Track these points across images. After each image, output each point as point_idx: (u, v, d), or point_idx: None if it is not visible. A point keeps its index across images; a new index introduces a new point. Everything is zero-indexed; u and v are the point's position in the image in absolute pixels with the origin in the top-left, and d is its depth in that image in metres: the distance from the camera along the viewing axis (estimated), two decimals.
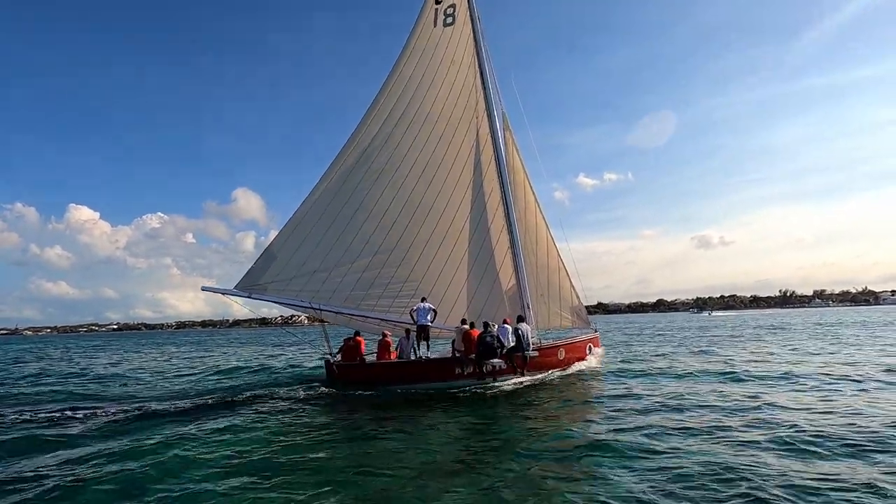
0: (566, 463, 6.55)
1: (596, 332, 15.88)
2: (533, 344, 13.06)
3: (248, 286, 13.98)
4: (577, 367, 14.16)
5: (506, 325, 12.67)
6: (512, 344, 12.38)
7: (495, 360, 12.32)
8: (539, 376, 12.98)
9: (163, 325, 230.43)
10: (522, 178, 15.52)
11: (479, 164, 15.33)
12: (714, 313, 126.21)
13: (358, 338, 13.39)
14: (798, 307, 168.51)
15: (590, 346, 14.96)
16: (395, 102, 15.40)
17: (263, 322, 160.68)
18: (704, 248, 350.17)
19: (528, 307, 14.36)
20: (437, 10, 16.10)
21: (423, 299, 13.54)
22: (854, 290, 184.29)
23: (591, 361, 14.71)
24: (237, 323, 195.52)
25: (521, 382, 12.48)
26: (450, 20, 16.08)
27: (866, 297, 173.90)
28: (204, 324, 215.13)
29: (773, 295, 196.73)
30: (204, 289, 13.71)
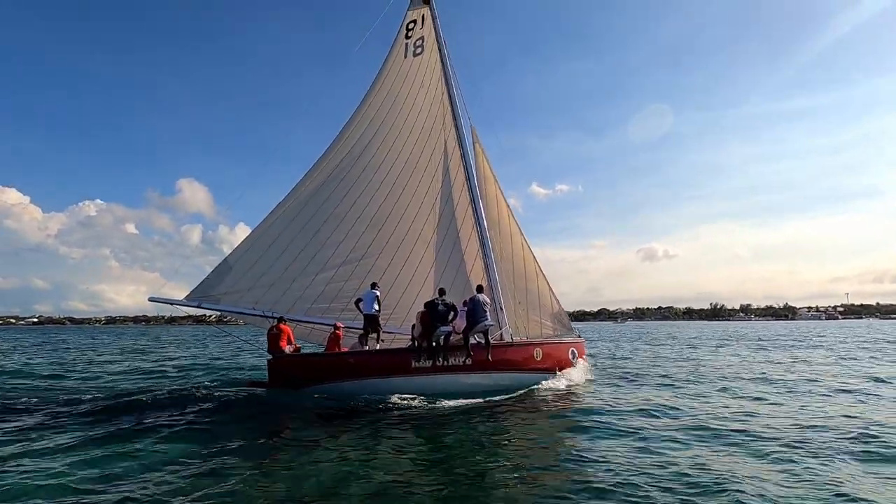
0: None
1: (580, 337, 14.51)
2: (503, 338, 12.18)
3: (200, 297, 13.17)
4: (556, 381, 12.18)
5: (463, 308, 11.48)
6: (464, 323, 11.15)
7: (444, 328, 11.08)
8: (505, 376, 11.58)
9: (90, 319, 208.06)
10: (494, 187, 15.32)
11: (448, 176, 15.28)
12: (626, 323, 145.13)
13: (282, 325, 11.83)
14: (723, 320, 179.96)
15: (573, 352, 13.36)
16: (366, 126, 15.80)
17: (199, 320, 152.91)
18: (650, 260, 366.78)
19: (503, 309, 13.39)
20: (406, 44, 17.12)
21: (374, 285, 12.42)
22: (776, 306, 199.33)
23: (576, 370, 12.99)
24: (174, 320, 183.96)
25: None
26: (419, 50, 17.01)
27: (786, 313, 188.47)
28: (136, 319, 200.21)
29: (705, 307, 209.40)
30: (152, 300, 12.76)
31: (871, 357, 21.32)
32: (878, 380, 13.87)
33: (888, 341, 33.58)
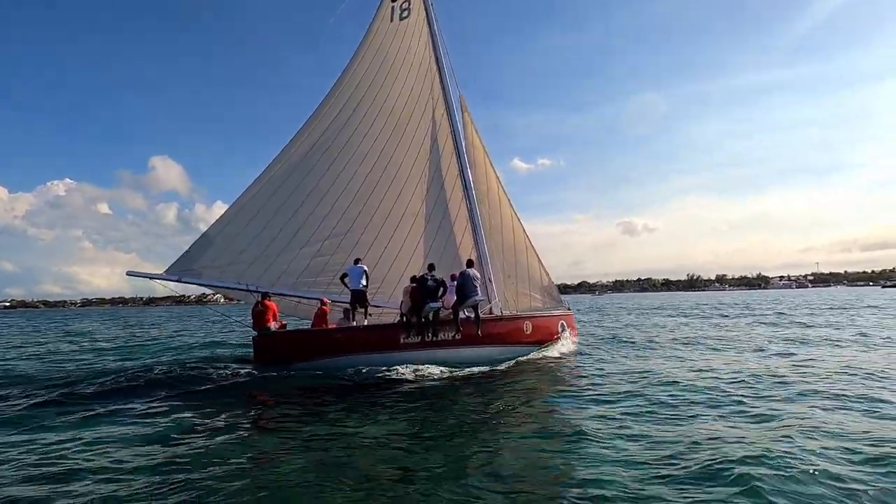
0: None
1: (569, 310, 14.49)
2: (493, 312, 12.10)
3: (180, 271, 12.67)
4: (547, 351, 12.42)
5: (453, 283, 11.32)
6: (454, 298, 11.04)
7: (433, 304, 10.94)
8: (494, 350, 11.61)
9: (65, 302, 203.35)
10: (483, 158, 14.93)
11: (436, 146, 14.82)
12: (603, 296, 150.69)
13: (266, 301, 11.47)
14: (700, 290, 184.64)
15: (562, 324, 13.35)
16: (351, 92, 15.06)
17: (178, 301, 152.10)
18: (630, 233, 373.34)
19: (491, 282, 13.24)
20: (392, 6, 16.25)
21: (357, 261, 12.14)
22: (750, 276, 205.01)
23: (565, 343, 13.08)
24: (152, 301, 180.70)
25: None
26: (405, 14, 16.18)
27: (759, 282, 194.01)
28: (114, 301, 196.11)
29: (682, 279, 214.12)
30: (130, 273, 12.30)
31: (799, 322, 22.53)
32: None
33: (829, 307, 35.15)
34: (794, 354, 12.55)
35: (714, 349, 14.05)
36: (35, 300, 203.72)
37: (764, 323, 22.97)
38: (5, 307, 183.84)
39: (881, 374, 9.46)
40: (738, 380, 9.30)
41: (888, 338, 15.53)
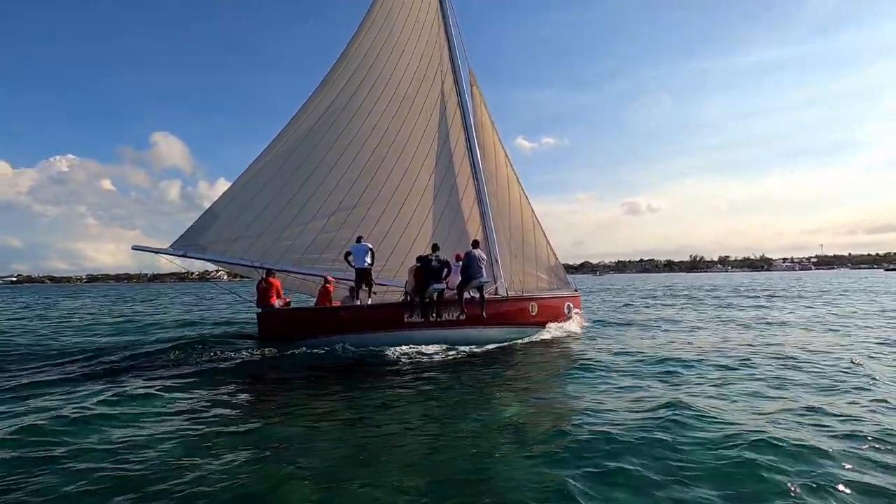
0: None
1: (577, 291, 14.47)
2: (498, 292, 12.03)
3: (185, 245, 12.58)
4: (553, 331, 12.46)
5: (458, 263, 11.30)
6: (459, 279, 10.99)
7: (437, 286, 10.88)
8: (499, 331, 11.60)
9: (70, 278, 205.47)
10: (491, 134, 14.64)
11: (445, 121, 14.51)
12: (603, 276, 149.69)
13: (271, 278, 11.46)
14: (702, 272, 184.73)
15: (569, 306, 13.38)
16: (358, 63, 14.65)
17: (182, 278, 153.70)
18: (633, 214, 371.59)
19: (497, 261, 13.17)
20: None
21: (360, 238, 12.00)
22: (753, 258, 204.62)
23: (571, 324, 13.10)
24: (156, 277, 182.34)
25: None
26: None
27: (762, 264, 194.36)
28: (118, 277, 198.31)
29: (684, 260, 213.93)
30: (135, 248, 12.31)
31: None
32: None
33: (823, 290, 35.15)
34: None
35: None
36: (41, 276, 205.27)
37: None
38: (12, 282, 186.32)
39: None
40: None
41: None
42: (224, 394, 7.53)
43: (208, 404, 6.96)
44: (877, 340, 11.62)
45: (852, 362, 8.95)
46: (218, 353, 10.52)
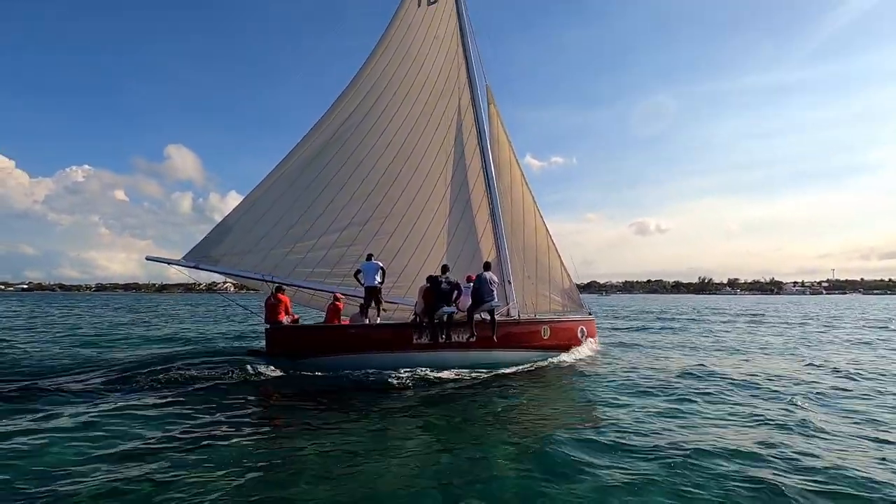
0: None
1: (591, 315, 14.14)
2: (510, 315, 11.76)
3: (199, 257, 12.51)
4: (566, 356, 12.16)
5: (468, 285, 11.12)
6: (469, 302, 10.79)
7: (447, 309, 10.65)
8: (510, 354, 11.32)
9: (80, 286, 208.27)
10: (508, 152, 14.53)
11: (461, 137, 14.45)
12: (609, 296, 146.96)
13: (280, 295, 11.25)
14: (710, 294, 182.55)
15: (582, 330, 13.08)
16: (375, 79, 14.69)
17: (189, 288, 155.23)
18: (642, 234, 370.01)
19: (510, 283, 13.01)
20: None
21: (370, 256, 11.91)
22: (763, 280, 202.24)
23: (585, 349, 12.81)
24: (164, 287, 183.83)
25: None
26: None
27: (772, 287, 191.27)
28: (127, 287, 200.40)
29: (693, 281, 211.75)
30: (149, 258, 12.23)
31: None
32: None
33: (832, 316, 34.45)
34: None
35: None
36: (52, 283, 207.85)
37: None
38: (23, 289, 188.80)
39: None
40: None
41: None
42: (226, 410, 7.42)
43: (211, 420, 6.86)
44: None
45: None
46: (224, 368, 10.41)
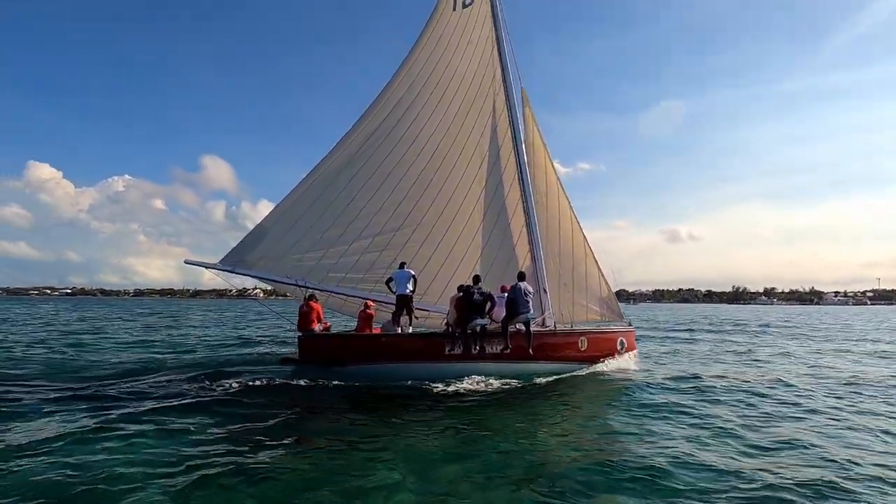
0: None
1: (630, 326, 13.64)
2: (546, 325, 11.49)
3: (234, 262, 12.65)
4: (603, 366, 11.83)
5: (502, 295, 10.85)
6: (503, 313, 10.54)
7: (480, 321, 10.43)
8: (546, 366, 11.09)
9: (119, 291, 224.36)
10: (543, 157, 14.19)
11: (495, 143, 14.20)
12: (637, 305, 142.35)
13: (312, 302, 11.22)
14: (745, 303, 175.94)
15: (622, 341, 12.60)
16: (409, 85, 14.59)
17: (221, 294, 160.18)
18: (673, 241, 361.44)
19: (546, 291, 12.63)
20: None
21: (403, 265, 11.71)
22: (802, 290, 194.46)
23: (624, 361, 12.33)
24: (198, 293, 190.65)
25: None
26: (468, 1, 15.41)
27: (811, 297, 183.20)
28: (162, 292, 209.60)
29: (726, 290, 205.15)
30: (187, 262, 12.43)
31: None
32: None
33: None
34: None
35: None
36: (94, 288, 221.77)
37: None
38: (67, 294, 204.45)
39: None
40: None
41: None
42: (258, 417, 7.45)
43: (241, 429, 6.87)
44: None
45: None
46: (255, 376, 10.50)
